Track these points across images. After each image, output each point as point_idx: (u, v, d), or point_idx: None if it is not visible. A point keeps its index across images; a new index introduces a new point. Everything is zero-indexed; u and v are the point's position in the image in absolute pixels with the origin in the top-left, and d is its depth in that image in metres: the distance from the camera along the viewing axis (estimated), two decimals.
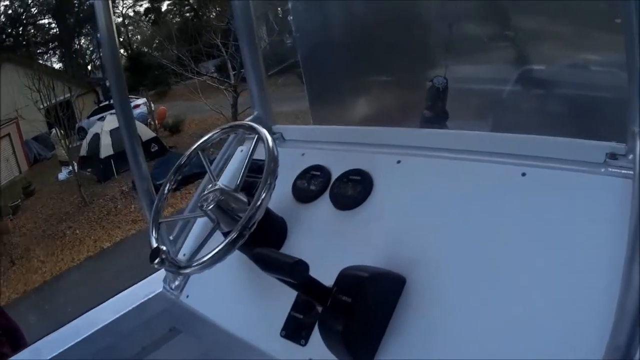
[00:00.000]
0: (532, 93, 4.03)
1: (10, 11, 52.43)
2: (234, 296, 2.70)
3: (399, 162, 2.44)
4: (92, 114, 37.81)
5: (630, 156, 1.81)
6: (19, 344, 6.51)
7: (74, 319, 3.20)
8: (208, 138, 2.69)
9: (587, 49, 3.60)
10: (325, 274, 1.96)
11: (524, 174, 2.02)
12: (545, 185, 1.96)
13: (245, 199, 2.39)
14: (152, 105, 35.68)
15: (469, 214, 2.08)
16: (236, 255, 2.23)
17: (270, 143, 2.32)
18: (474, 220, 2.05)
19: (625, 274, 1.50)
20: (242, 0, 3.15)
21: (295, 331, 2.27)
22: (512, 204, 1.99)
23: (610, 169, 1.87)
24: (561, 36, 3.74)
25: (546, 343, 1.67)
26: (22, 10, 53.29)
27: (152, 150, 26.24)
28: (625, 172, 1.81)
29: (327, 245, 2.40)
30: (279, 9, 19.98)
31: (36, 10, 54.80)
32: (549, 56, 3.85)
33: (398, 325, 1.99)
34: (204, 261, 2.14)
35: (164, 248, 2.28)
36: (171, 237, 3.00)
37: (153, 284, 3.23)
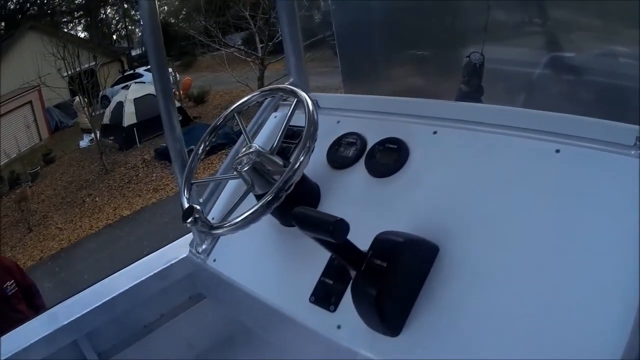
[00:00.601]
0: (563, 78, 4.05)
1: None
2: (262, 261, 2.70)
3: (435, 132, 2.43)
4: (116, 83, 37.93)
5: None
6: (34, 300, 6.82)
7: (94, 284, 3.23)
8: (246, 100, 2.68)
9: (616, 40, 3.63)
10: (358, 240, 1.95)
11: (558, 151, 2.02)
12: (577, 163, 1.96)
13: (281, 162, 2.38)
14: (178, 75, 35.67)
15: (502, 188, 2.08)
16: (266, 220, 2.22)
17: (311, 107, 2.30)
18: (507, 194, 2.05)
19: None
20: None
21: (324, 297, 2.26)
22: (545, 180, 1.99)
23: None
24: (592, 27, 3.78)
25: (569, 324, 1.67)
26: None
27: None
28: None
29: (361, 211, 2.37)
30: None
31: None
32: (580, 44, 3.87)
33: (429, 294, 1.99)
34: (237, 222, 2.14)
35: (197, 207, 2.28)
36: (201, 200, 2.98)
37: (176, 250, 3.25)
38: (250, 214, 2.11)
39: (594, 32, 3.74)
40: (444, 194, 2.21)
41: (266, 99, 3.02)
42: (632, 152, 1.87)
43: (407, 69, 4.89)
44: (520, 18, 4.22)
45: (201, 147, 2.69)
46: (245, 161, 2.34)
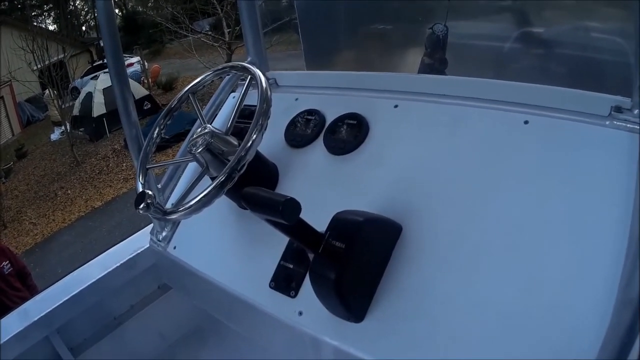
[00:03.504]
0: (533, 52, 4.02)
1: None
2: (222, 247, 2.63)
3: (396, 106, 2.37)
4: (86, 74, 37.85)
5: (636, 110, 1.77)
6: (27, 281, 7.04)
7: (62, 277, 3.19)
8: (200, 80, 2.61)
9: (589, 16, 3.61)
10: (318, 221, 1.89)
11: (526, 122, 1.97)
12: (548, 134, 1.91)
13: (235, 142, 2.30)
14: (146, 63, 35.66)
15: (468, 162, 2.02)
16: (224, 204, 2.17)
17: (264, 83, 2.22)
18: (473, 168, 1.99)
19: (634, 230, 1.41)
20: None
21: (284, 282, 2.20)
22: (513, 152, 1.95)
23: (615, 122, 1.82)
24: (564, 3, 3.72)
25: (544, 299, 1.63)
26: None
27: (145, 108, 26.21)
28: (631, 125, 1.77)
29: (320, 190, 2.33)
30: None
31: None
32: (551, 20, 3.89)
33: (393, 276, 1.93)
34: (191, 205, 2.06)
35: (150, 192, 2.19)
36: (159, 186, 2.91)
37: (141, 239, 3.19)
38: (203, 197, 2.04)
39: (565, 8, 3.70)
40: (406, 170, 2.15)
41: (222, 78, 2.93)
42: (607, 122, 1.83)
43: (370, 44, 4.88)
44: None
45: (156, 131, 2.59)
46: (200, 142, 2.26)
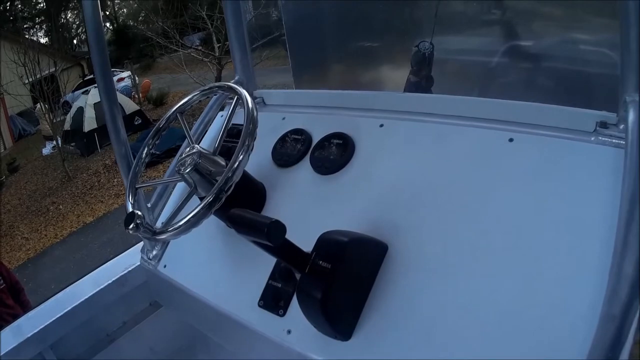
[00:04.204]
0: (521, 65, 4.03)
1: None
2: (211, 266, 2.65)
3: (381, 125, 2.41)
4: (77, 88, 37.79)
5: (622, 125, 1.79)
6: (20, 297, 7.07)
7: (55, 294, 3.19)
8: (187, 100, 2.61)
9: (576, 28, 3.58)
10: (306, 240, 1.91)
11: (511, 140, 2.00)
12: (533, 151, 1.94)
13: (223, 162, 2.33)
14: (137, 78, 35.65)
15: (453, 180, 2.04)
16: (214, 223, 2.20)
17: (250, 104, 2.24)
18: (459, 186, 2.02)
19: (618, 243, 1.46)
20: None
21: (273, 301, 2.23)
22: (499, 170, 1.97)
23: (600, 138, 1.85)
24: (552, 14, 3.72)
25: (530, 311, 1.64)
26: None
27: (136, 123, 26.09)
28: (616, 141, 1.80)
29: (307, 210, 2.36)
30: None
31: None
32: (539, 33, 3.86)
33: (380, 295, 1.95)
34: (180, 226, 2.06)
35: (139, 213, 2.20)
36: (149, 205, 2.94)
37: (132, 257, 3.21)
38: (191, 217, 2.04)
39: (553, 20, 3.72)
40: (392, 189, 2.18)
41: (209, 97, 2.95)
42: (592, 138, 1.86)
43: (357, 62, 4.89)
44: (474, 6, 4.19)
45: (145, 151, 2.61)
46: (188, 162, 2.28)
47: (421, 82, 3.94)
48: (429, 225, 1.99)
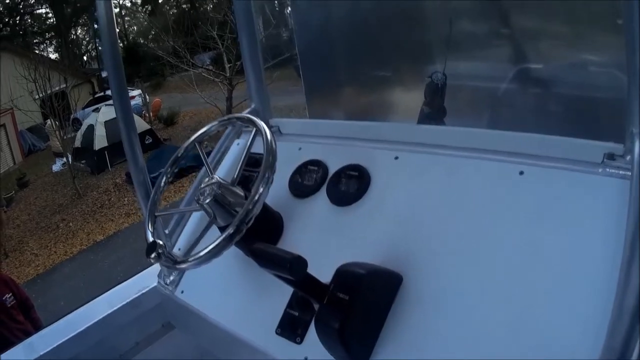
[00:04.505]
0: (530, 91, 4.03)
1: (7, 0, 52.47)
2: (229, 292, 2.68)
3: (396, 158, 2.43)
4: (87, 105, 37.80)
5: (628, 157, 1.80)
6: (30, 313, 7.01)
7: (69, 313, 3.19)
8: (205, 130, 2.66)
9: (586, 49, 3.56)
10: (322, 270, 1.95)
11: (521, 173, 2.02)
12: (542, 184, 1.96)
13: (242, 193, 2.37)
14: (147, 97, 35.66)
15: (466, 212, 2.07)
16: (232, 251, 2.21)
17: (269, 137, 2.29)
18: (471, 218, 2.04)
19: (622, 274, 1.48)
20: None
21: (290, 329, 2.25)
22: (510, 203, 1.99)
23: (607, 169, 1.86)
24: (560, 35, 3.73)
25: (543, 343, 1.66)
26: None
27: (147, 142, 26.19)
28: (623, 172, 1.80)
29: (324, 241, 2.38)
30: (276, 1, 19.96)
31: (33, 0, 54.85)
32: (548, 55, 3.83)
33: (394, 323, 1.97)
34: (201, 256, 2.12)
35: (161, 242, 2.27)
36: (166, 231, 2.97)
37: (147, 279, 3.22)
38: (212, 248, 2.09)
39: (563, 40, 3.72)
40: (406, 220, 2.21)
41: (226, 127, 2.99)
42: (600, 170, 1.87)
43: (370, 90, 4.89)
44: (485, 29, 4.20)
45: (163, 180, 2.67)
46: (207, 192, 2.32)
47: (434, 113, 3.96)
48: (442, 256, 2.01)
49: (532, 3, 3.70)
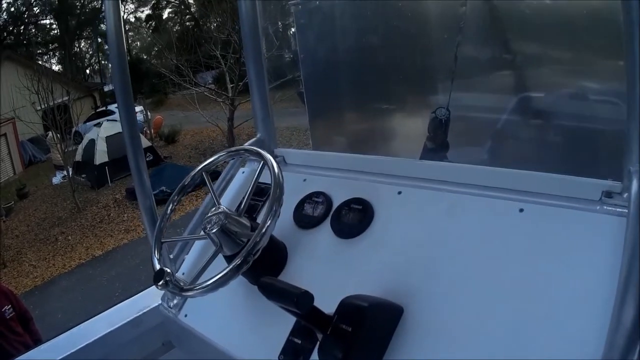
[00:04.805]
0: (530, 122, 4.05)
1: (12, 9, 52.51)
2: (232, 318, 2.71)
3: (400, 192, 2.48)
4: (89, 119, 37.80)
5: (626, 194, 1.85)
6: (29, 325, 7.09)
7: (69, 329, 3.21)
8: (213, 160, 2.71)
9: (587, 78, 3.61)
10: (325, 301, 1.98)
11: (521, 210, 2.05)
12: (542, 221, 1.99)
13: (248, 224, 2.42)
14: (149, 113, 35.71)
15: (467, 248, 2.11)
16: (237, 278, 2.25)
17: (277, 170, 2.35)
18: (471, 253, 2.08)
19: (616, 309, 1.54)
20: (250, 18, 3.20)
21: (293, 356, 2.27)
22: (509, 239, 2.02)
23: (605, 207, 1.90)
24: (562, 64, 3.75)
25: None
26: (24, 8, 53.32)
27: (147, 159, 25.71)
28: (621, 210, 1.84)
29: (327, 272, 2.42)
30: (280, 23, 19.91)
31: (38, 10, 54.89)
32: (549, 84, 3.85)
33: (395, 354, 2.01)
34: (207, 285, 2.17)
35: (168, 270, 2.32)
36: (171, 256, 3.02)
37: (149, 298, 3.25)
38: (219, 278, 2.14)
39: (564, 71, 3.74)
40: (408, 254, 2.25)
41: (234, 158, 3.04)
42: (598, 207, 1.92)
43: (374, 121, 4.90)
44: (487, 65, 4.22)
45: (170, 207, 2.71)
46: (214, 221, 2.37)
47: (437, 148, 3.99)
48: (443, 289, 2.05)
49: (536, 33, 3.74)
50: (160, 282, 2.28)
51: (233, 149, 2.74)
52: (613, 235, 1.76)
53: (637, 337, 1.48)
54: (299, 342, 2.29)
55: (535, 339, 1.76)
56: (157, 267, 2.43)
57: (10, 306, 6.75)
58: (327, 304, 2.00)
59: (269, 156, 2.45)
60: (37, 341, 6.82)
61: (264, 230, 2.17)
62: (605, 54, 3.30)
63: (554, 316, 1.76)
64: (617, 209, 1.86)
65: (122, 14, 2.84)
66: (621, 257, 1.62)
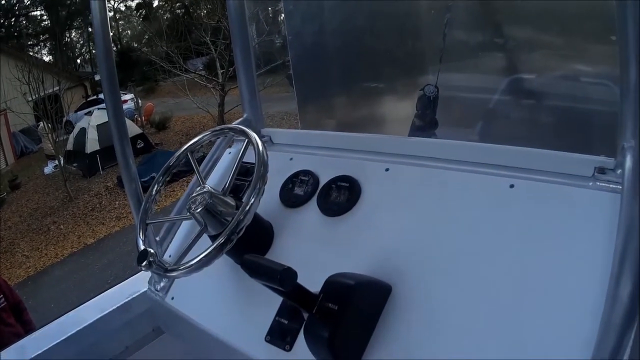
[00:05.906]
0: (522, 103, 4.01)
1: (3, 1, 52.43)
2: (219, 299, 2.69)
3: (387, 169, 2.44)
4: (80, 108, 37.78)
5: (619, 171, 1.81)
6: (23, 316, 7.00)
7: (59, 317, 3.19)
8: (198, 140, 2.68)
9: (578, 61, 3.56)
10: (311, 280, 1.95)
11: (512, 186, 2.02)
12: (533, 197, 1.96)
13: (233, 203, 2.38)
14: (140, 101, 35.67)
15: (456, 224, 2.08)
16: (222, 258, 2.22)
17: (261, 148, 2.31)
18: (460, 231, 2.05)
19: (611, 287, 1.51)
20: (237, 0, 3.16)
21: (279, 336, 2.26)
22: (500, 216, 1.99)
23: (598, 183, 1.87)
24: (553, 47, 3.71)
25: (531, 355, 1.67)
26: (15, 1, 53.28)
27: (138, 146, 26.25)
28: (614, 186, 1.81)
29: (314, 251, 2.39)
30: (270, 8, 19.91)
31: (29, 2, 54.84)
32: (541, 66, 3.82)
33: (383, 333, 1.99)
34: (191, 265, 2.13)
35: (152, 250, 2.28)
36: (157, 238, 2.98)
37: (137, 283, 3.22)
38: (203, 257, 2.10)
39: (555, 53, 3.70)
40: (396, 232, 2.22)
41: (218, 137, 3.01)
42: (590, 183, 1.89)
43: (362, 101, 4.88)
44: (476, 43, 4.19)
45: (155, 188, 2.67)
46: (198, 201, 2.33)
47: (425, 125, 3.96)
48: (432, 267, 2.02)
49: (527, 15, 3.71)
50: (144, 263, 2.23)
51: (217, 128, 2.71)
52: (606, 212, 1.74)
53: (634, 313, 1.45)
54: (286, 322, 2.27)
55: (526, 316, 1.73)
56: (142, 248, 2.39)
57: (2, 296, 6.71)
58: (314, 283, 1.98)
59: (253, 134, 2.41)
60: (31, 331, 6.76)
61: (247, 208, 2.12)
62: (597, 37, 3.26)
63: (545, 293, 1.74)
64: (610, 185, 1.83)
65: (112, 3, 2.83)
66: (615, 234, 1.60)
